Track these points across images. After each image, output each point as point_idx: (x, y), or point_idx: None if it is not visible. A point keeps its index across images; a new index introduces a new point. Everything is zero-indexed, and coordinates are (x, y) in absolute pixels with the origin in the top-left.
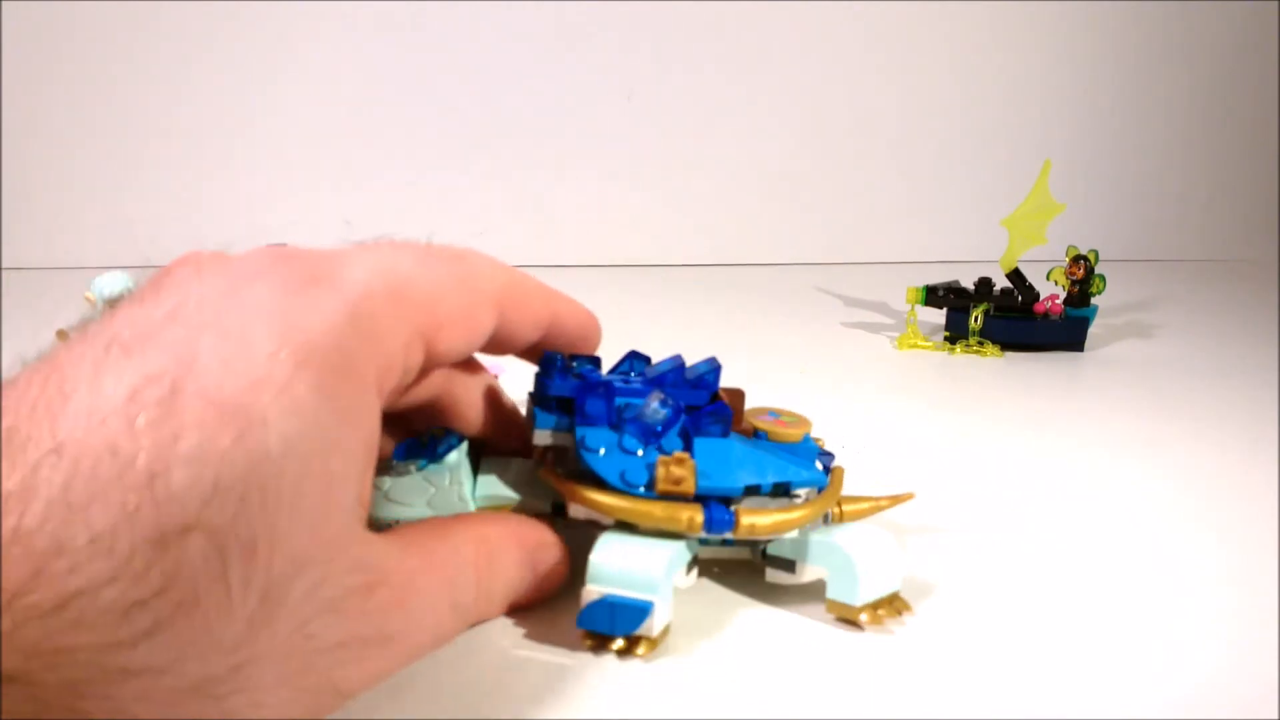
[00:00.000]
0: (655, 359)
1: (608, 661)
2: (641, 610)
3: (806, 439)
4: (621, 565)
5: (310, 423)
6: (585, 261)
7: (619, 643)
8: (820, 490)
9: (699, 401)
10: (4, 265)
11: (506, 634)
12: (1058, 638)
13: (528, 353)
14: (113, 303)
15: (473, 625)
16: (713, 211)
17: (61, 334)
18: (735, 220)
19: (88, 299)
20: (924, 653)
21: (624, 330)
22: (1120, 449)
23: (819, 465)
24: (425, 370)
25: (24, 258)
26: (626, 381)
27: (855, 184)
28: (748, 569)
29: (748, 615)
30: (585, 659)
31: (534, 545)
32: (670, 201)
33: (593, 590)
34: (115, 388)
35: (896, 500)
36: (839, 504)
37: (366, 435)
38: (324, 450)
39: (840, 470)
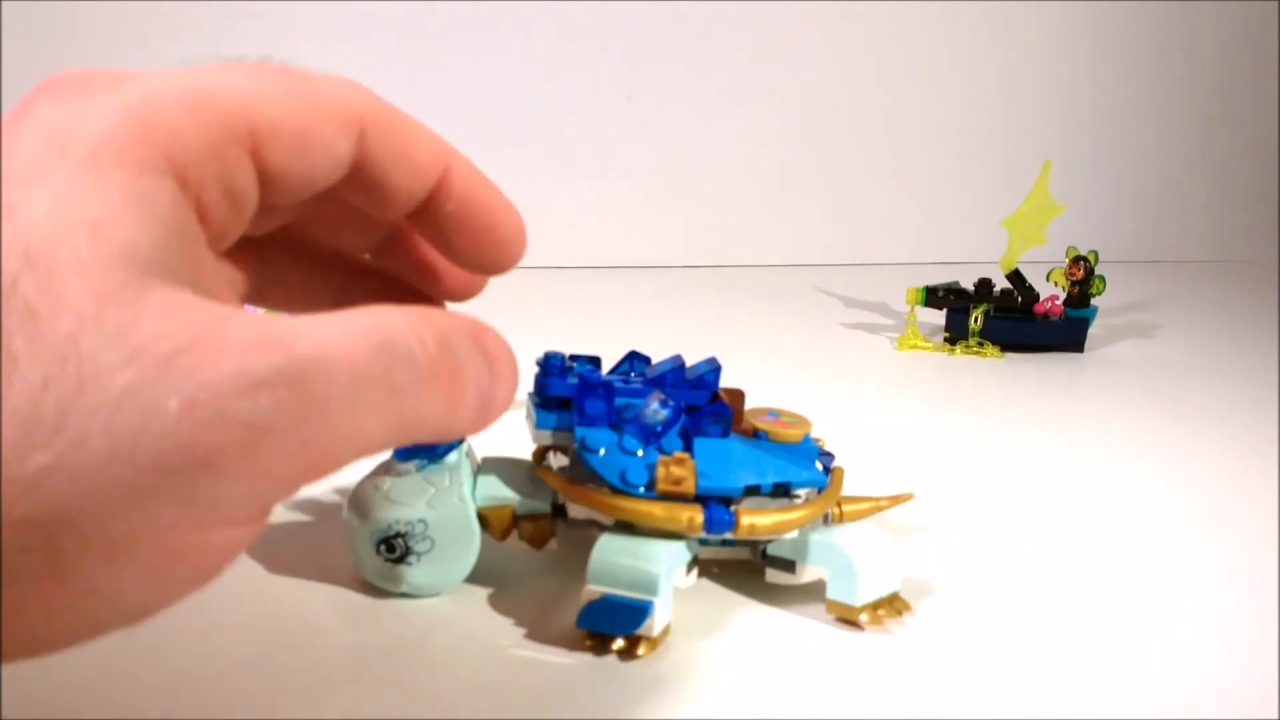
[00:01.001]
0: (655, 359)
1: (608, 662)
2: (641, 610)
3: (806, 439)
4: (621, 565)
5: (65, 192)
6: (585, 262)
7: (619, 643)
8: (820, 490)
9: (699, 402)
10: None
11: (506, 634)
12: (1057, 638)
13: (419, 219)
14: None
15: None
16: (713, 212)
17: None
18: (735, 220)
19: None
20: (924, 653)
21: (624, 330)
22: (1120, 449)
23: (819, 465)
24: (272, 189)
25: None
26: (626, 382)
27: (855, 184)
28: (747, 569)
29: (747, 615)
30: (586, 660)
31: (480, 328)
32: (670, 202)
33: (593, 590)
34: None
35: (896, 500)
36: (839, 504)
37: (149, 209)
38: (86, 214)
39: (840, 470)
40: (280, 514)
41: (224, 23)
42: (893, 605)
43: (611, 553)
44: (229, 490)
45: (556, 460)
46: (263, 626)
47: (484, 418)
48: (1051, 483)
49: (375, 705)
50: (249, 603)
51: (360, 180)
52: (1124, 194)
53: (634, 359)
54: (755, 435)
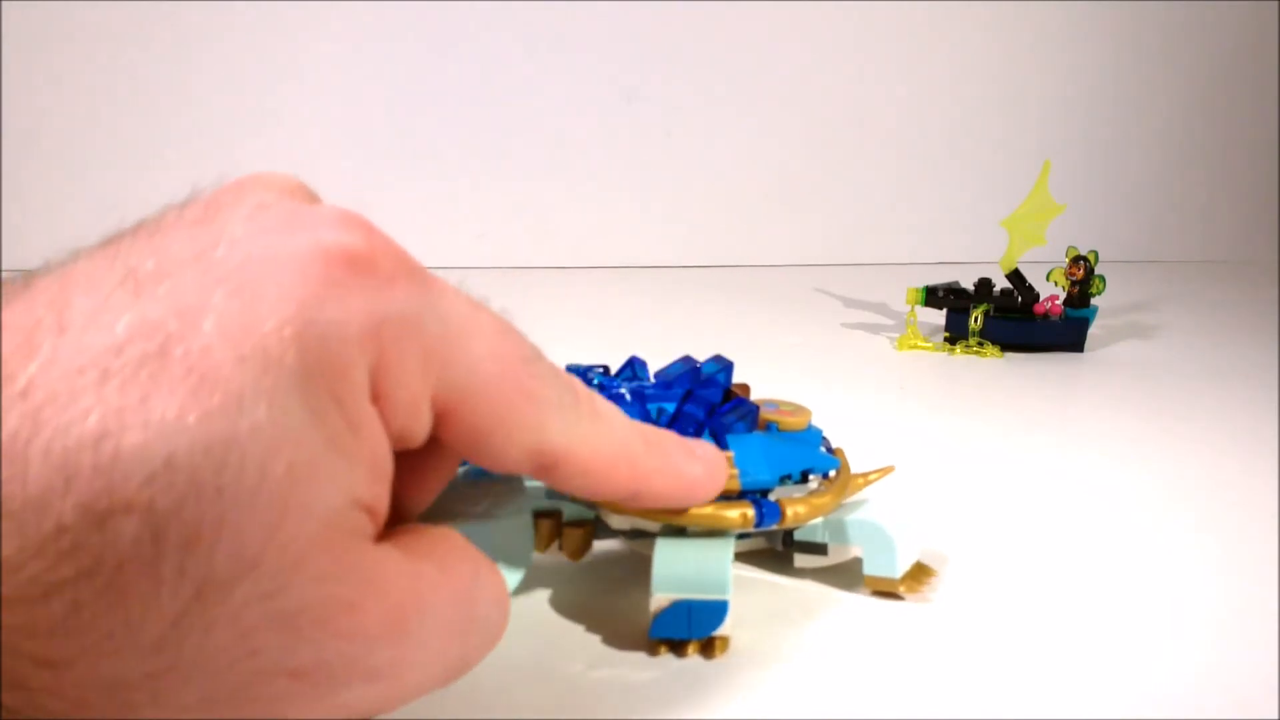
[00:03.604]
0: (656, 360)
1: (690, 665)
2: (719, 609)
3: (810, 425)
4: (688, 569)
5: (288, 412)
6: (585, 263)
7: (694, 646)
8: (830, 473)
9: (714, 400)
10: (4, 265)
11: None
12: (1057, 638)
13: None
14: None
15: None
16: (713, 212)
17: None
18: (735, 221)
19: None
20: (924, 653)
21: (624, 330)
22: (1120, 449)
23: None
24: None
25: (24, 258)
26: (654, 387)
27: (855, 184)
28: (750, 557)
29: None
30: (671, 666)
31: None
32: (670, 202)
33: (661, 599)
34: (107, 332)
35: (881, 474)
36: None
37: (360, 445)
38: (296, 444)
39: (841, 450)
40: None
41: (223, 24)
42: (922, 573)
43: (674, 558)
44: None
45: None
46: None
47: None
48: (1051, 483)
49: None
50: None
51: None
52: (1124, 194)
53: (634, 364)
54: (766, 427)
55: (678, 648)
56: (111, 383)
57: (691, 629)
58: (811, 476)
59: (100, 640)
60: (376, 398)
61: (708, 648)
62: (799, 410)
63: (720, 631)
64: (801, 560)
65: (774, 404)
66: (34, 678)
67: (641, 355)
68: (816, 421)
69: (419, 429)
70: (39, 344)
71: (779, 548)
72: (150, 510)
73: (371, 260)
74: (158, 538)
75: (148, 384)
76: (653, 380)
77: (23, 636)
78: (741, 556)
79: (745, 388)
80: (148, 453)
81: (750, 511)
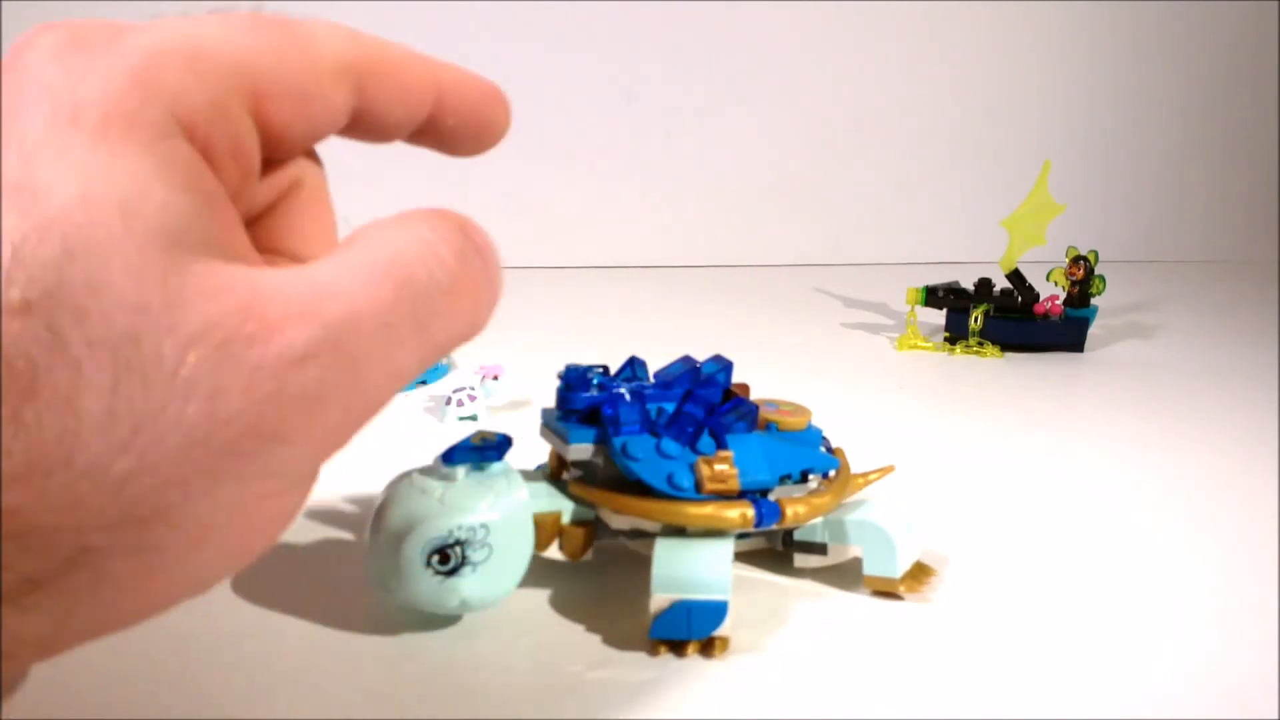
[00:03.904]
0: (656, 360)
1: (690, 664)
2: (719, 610)
3: (810, 425)
4: (687, 569)
5: (89, 169)
6: (584, 263)
7: (694, 646)
8: (830, 473)
9: (714, 399)
10: None
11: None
12: (1057, 638)
13: (419, 137)
14: None
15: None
16: (713, 212)
17: None
18: (735, 221)
19: None
20: (924, 653)
21: (623, 330)
22: (1119, 449)
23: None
24: (274, 149)
25: None
26: (654, 387)
27: (855, 185)
28: (750, 556)
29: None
30: (671, 666)
31: (468, 222)
32: (670, 202)
33: (662, 599)
34: None
35: (881, 473)
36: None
37: (173, 179)
38: (115, 193)
39: (841, 450)
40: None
41: None
42: (922, 573)
43: (674, 558)
44: (297, 457)
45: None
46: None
47: (492, 311)
48: (1051, 482)
49: None
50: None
51: (359, 121)
52: (1124, 194)
53: (634, 364)
54: (766, 427)
55: (678, 648)
56: None
57: (691, 629)
58: (811, 476)
59: (51, 430)
60: (193, 129)
61: (707, 648)
62: (799, 410)
63: (720, 632)
64: (801, 560)
65: (774, 404)
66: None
67: (641, 355)
68: (816, 421)
69: (241, 138)
70: None
71: (779, 547)
72: (28, 308)
73: (91, 32)
74: (51, 326)
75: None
76: (652, 380)
77: None
78: (741, 556)
79: (745, 387)
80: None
81: (750, 511)
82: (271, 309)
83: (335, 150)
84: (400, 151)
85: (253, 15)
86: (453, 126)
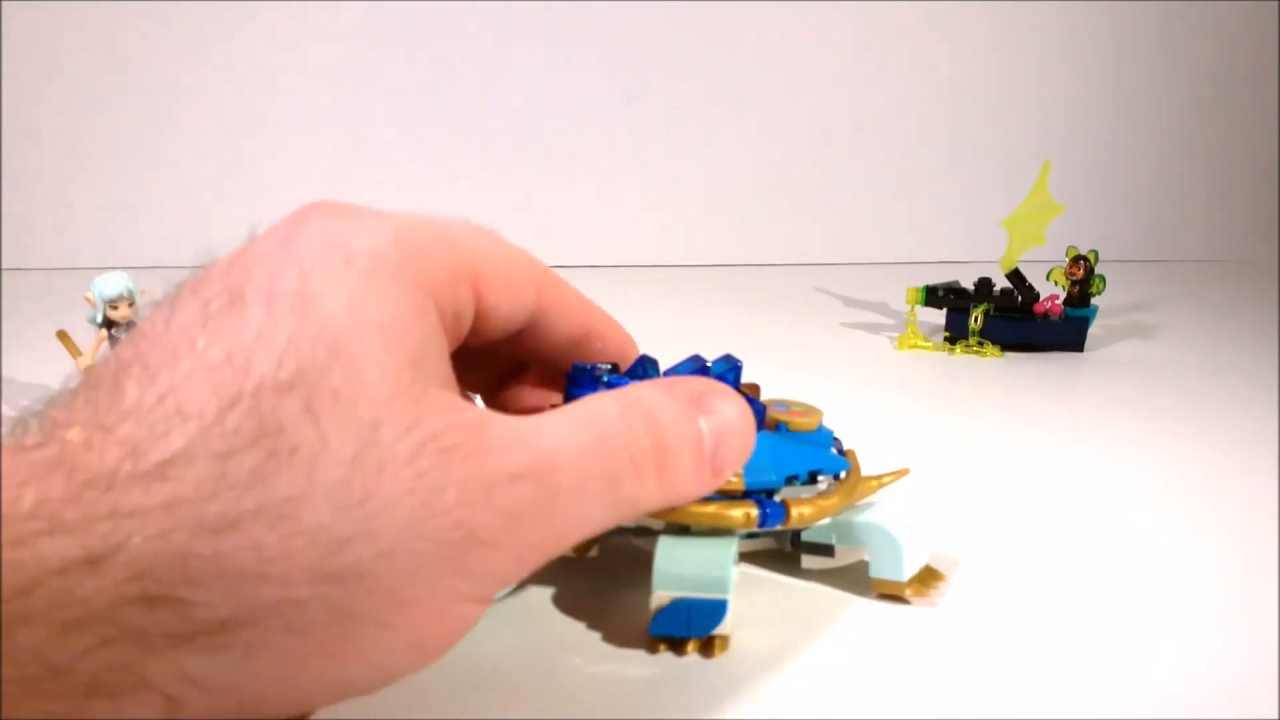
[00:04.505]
0: (659, 360)
1: (689, 663)
2: (718, 609)
3: (821, 426)
4: (688, 567)
5: (359, 295)
6: (585, 262)
7: (693, 644)
8: (840, 474)
9: None
10: (4, 265)
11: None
12: (1057, 639)
13: (556, 360)
14: (113, 303)
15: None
16: (713, 211)
17: (62, 334)
18: (735, 220)
19: (87, 299)
20: (923, 653)
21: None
22: (1120, 449)
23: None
24: (480, 326)
25: (24, 258)
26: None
27: (855, 184)
28: (757, 557)
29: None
30: (670, 664)
31: (704, 393)
32: (670, 201)
33: (662, 596)
34: (187, 317)
35: (896, 476)
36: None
37: (424, 321)
38: (379, 317)
39: (853, 452)
40: None
41: (225, 24)
42: (930, 577)
43: (675, 556)
44: (492, 564)
45: None
46: None
47: (704, 481)
48: (1051, 482)
49: None
50: None
51: (532, 326)
52: (1124, 194)
53: (644, 362)
54: (776, 427)
55: (677, 645)
56: (210, 325)
57: (691, 627)
58: (820, 478)
59: (290, 488)
60: (434, 290)
61: (707, 646)
62: (810, 411)
63: (719, 631)
64: (809, 561)
65: (784, 404)
66: (230, 539)
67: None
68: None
69: (462, 308)
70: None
71: (787, 548)
72: (289, 387)
73: (359, 209)
74: (308, 404)
75: (239, 314)
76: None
77: (206, 503)
78: (749, 556)
79: (755, 388)
80: (269, 351)
81: (754, 511)
82: (494, 434)
83: (339, 149)
84: (401, 151)
85: (471, 224)
86: (599, 350)
